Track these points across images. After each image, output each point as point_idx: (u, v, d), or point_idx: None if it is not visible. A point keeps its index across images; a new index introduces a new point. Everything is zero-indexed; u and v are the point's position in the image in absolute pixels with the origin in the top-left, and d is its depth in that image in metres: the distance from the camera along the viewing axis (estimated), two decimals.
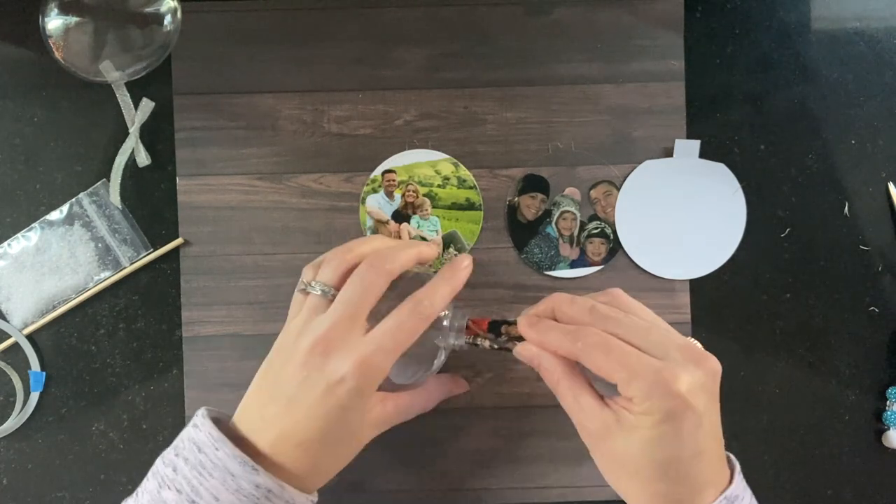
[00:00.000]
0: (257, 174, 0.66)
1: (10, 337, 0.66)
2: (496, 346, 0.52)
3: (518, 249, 0.66)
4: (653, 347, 0.44)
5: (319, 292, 0.48)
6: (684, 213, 0.66)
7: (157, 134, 0.66)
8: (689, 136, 0.66)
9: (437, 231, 0.66)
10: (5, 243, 0.66)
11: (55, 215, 0.66)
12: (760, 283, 0.66)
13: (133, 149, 0.65)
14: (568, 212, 0.66)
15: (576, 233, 0.66)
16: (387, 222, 0.66)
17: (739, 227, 0.66)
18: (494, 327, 0.52)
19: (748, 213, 0.66)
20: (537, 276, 0.66)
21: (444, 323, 0.52)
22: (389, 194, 0.66)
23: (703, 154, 0.66)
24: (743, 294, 0.66)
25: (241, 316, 0.66)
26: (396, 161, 0.66)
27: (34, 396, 0.66)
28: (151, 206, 0.67)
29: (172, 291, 0.66)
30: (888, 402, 0.65)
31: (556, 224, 0.66)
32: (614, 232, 0.66)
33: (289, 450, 0.45)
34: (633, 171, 0.66)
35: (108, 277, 0.66)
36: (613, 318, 0.46)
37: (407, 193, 0.66)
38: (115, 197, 0.65)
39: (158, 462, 0.47)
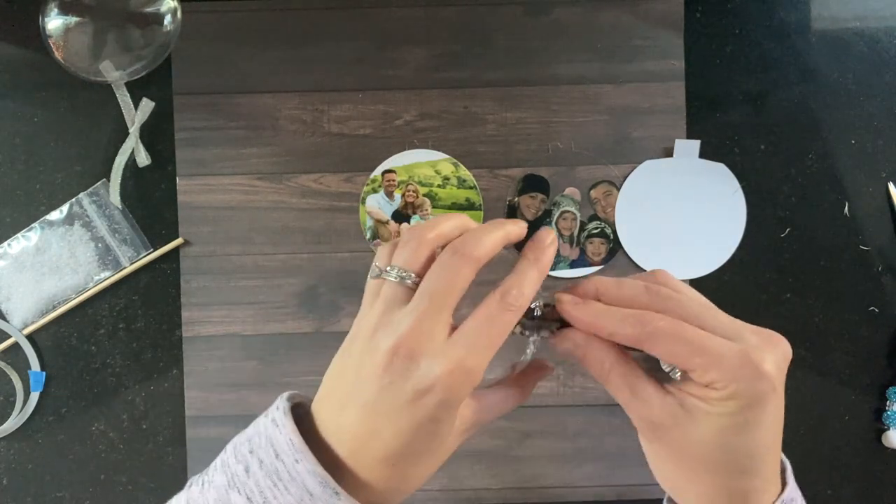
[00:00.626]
0: (257, 174, 0.66)
1: (10, 337, 0.66)
2: (526, 332, 0.45)
3: (518, 249, 0.66)
4: (725, 329, 0.40)
5: (397, 279, 0.41)
6: (684, 213, 0.66)
7: (157, 134, 0.66)
8: (689, 136, 0.66)
9: None
10: (5, 243, 0.66)
11: (55, 215, 0.66)
12: (760, 283, 0.66)
13: (133, 149, 0.65)
14: (568, 212, 0.66)
15: (576, 233, 0.66)
16: (387, 222, 0.66)
17: (739, 227, 0.66)
18: (527, 311, 0.45)
19: (748, 213, 0.66)
20: None
21: (535, 313, 0.45)
22: (389, 194, 0.66)
23: (703, 154, 0.66)
24: (743, 294, 0.66)
25: (241, 316, 0.66)
26: (396, 161, 0.66)
27: (34, 396, 0.66)
28: (151, 206, 0.67)
29: (172, 291, 0.66)
30: (888, 402, 0.65)
31: (556, 224, 0.66)
32: (614, 232, 0.66)
33: (372, 465, 0.40)
34: (633, 171, 0.66)
35: (108, 277, 0.66)
36: (676, 300, 0.41)
37: (407, 193, 0.66)
38: (115, 197, 0.65)
39: (230, 451, 0.42)
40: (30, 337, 0.66)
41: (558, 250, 0.66)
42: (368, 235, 0.66)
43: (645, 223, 0.66)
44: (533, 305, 0.44)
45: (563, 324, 0.44)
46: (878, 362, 0.66)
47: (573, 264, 0.66)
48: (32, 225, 0.66)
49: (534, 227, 0.66)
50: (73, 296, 0.66)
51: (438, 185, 0.66)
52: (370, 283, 0.44)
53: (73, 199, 0.66)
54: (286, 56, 0.66)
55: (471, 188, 0.66)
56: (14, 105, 0.66)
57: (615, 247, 0.66)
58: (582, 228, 0.66)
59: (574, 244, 0.66)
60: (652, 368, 0.42)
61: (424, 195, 0.66)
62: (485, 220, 0.66)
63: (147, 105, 0.65)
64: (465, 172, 0.66)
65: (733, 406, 0.39)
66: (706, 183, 0.66)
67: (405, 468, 0.41)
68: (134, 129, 0.65)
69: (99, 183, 0.66)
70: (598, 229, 0.66)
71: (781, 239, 0.66)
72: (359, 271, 0.66)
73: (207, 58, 0.66)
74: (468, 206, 0.66)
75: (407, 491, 0.42)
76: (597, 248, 0.66)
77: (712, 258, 0.66)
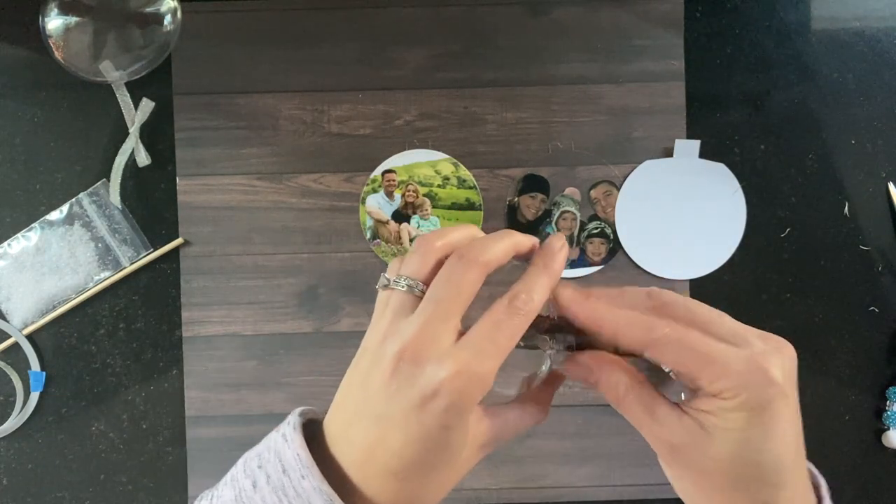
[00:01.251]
0: (257, 174, 0.66)
1: (10, 337, 0.66)
2: (544, 346, 0.44)
3: None
4: (731, 335, 0.39)
5: (405, 288, 0.41)
6: (684, 213, 0.66)
7: (157, 134, 0.66)
8: (689, 136, 0.66)
9: None
10: (5, 243, 0.66)
11: (55, 215, 0.66)
12: (760, 283, 0.66)
13: (133, 149, 0.65)
14: (568, 212, 0.66)
15: (576, 233, 0.66)
16: (387, 222, 0.66)
17: (739, 227, 0.66)
18: (543, 324, 0.45)
19: (748, 213, 0.66)
20: None
21: (547, 323, 0.44)
22: (389, 194, 0.66)
23: (703, 154, 0.66)
24: (743, 294, 0.66)
25: (240, 316, 0.66)
26: (396, 161, 0.66)
27: (34, 396, 0.66)
28: (151, 206, 0.67)
29: (172, 291, 0.66)
30: (888, 402, 0.65)
31: (556, 224, 0.66)
32: (614, 232, 0.66)
33: (381, 479, 0.39)
34: (633, 171, 0.66)
35: (108, 277, 0.66)
36: (681, 304, 0.40)
37: (407, 193, 0.66)
38: (115, 197, 0.65)
39: (240, 465, 0.42)
40: (30, 337, 0.66)
41: None
42: (368, 235, 0.66)
43: (645, 223, 0.66)
44: (545, 314, 0.43)
45: (580, 335, 0.43)
46: (878, 362, 0.66)
47: (573, 264, 0.66)
48: (32, 225, 0.66)
49: (534, 227, 0.66)
50: (73, 296, 0.66)
51: (438, 185, 0.66)
52: (380, 295, 0.44)
53: (73, 199, 0.66)
54: (286, 56, 0.66)
55: (471, 188, 0.66)
56: (14, 105, 0.66)
57: (615, 247, 0.66)
58: (582, 228, 0.66)
59: (574, 244, 0.66)
60: (658, 384, 0.41)
61: (424, 195, 0.66)
62: (485, 220, 0.66)
63: (147, 105, 0.65)
64: (465, 172, 0.66)
65: (746, 416, 0.38)
66: (706, 183, 0.66)
67: (416, 483, 0.39)
68: (134, 129, 0.65)
69: (99, 183, 0.66)
70: (598, 229, 0.66)
71: (781, 239, 0.66)
72: (359, 271, 0.66)
73: (207, 58, 0.66)
74: (468, 206, 0.66)
75: None
76: (597, 248, 0.66)
77: (712, 258, 0.66)
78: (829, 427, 0.66)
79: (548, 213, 0.66)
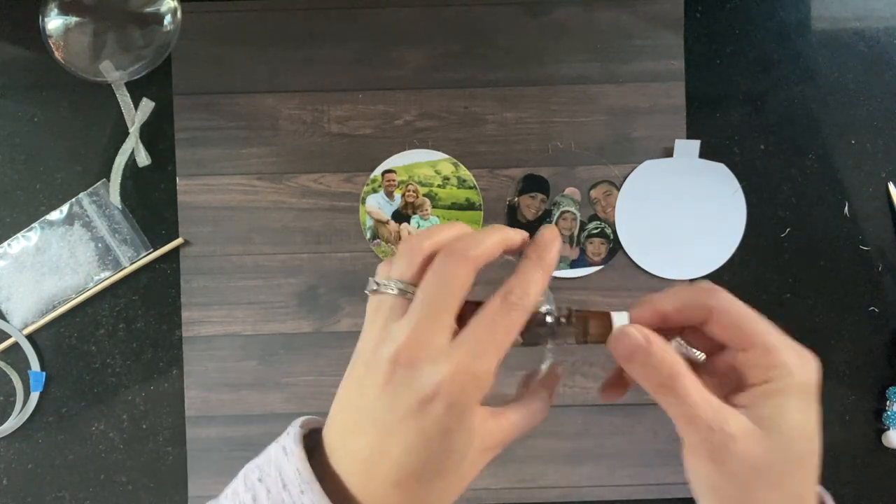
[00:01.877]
0: (257, 174, 0.66)
1: (10, 337, 0.66)
2: (520, 341, 0.42)
3: None
4: (775, 329, 0.39)
5: (395, 291, 0.40)
6: (684, 213, 0.66)
7: (157, 134, 0.66)
8: (689, 136, 0.66)
9: None
10: (5, 243, 0.66)
11: (55, 215, 0.66)
12: (760, 283, 0.66)
13: (133, 149, 0.65)
14: (568, 212, 0.66)
15: (576, 233, 0.66)
16: (387, 222, 0.66)
17: (739, 227, 0.66)
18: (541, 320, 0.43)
19: (748, 213, 0.66)
20: None
21: (547, 319, 0.43)
22: (389, 194, 0.66)
23: (703, 154, 0.66)
24: (743, 294, 0.66)
25: (240, 316, 0.66)
26: (396, 161, 0.66)
27: (34, 396, 0.66)
28: (151, 206, 0.67)
29: (172, 291, 0.66)
30: (888, 402, 0.65)
31: (557, 224, 0.66)
32: (614, 232, 0.66)
33: (385, 492, 0.37)
34: (633, 171, 0.66)
35: (108, 277, 0.66)
36: (725, 293, 0.40)
37: (407, 193, 0.66)
38: (115, 197, 0.65)
39: (241, 478, 0.41)
40: (30, 337, 0.66)
41: None
42: (368, 235, 0.66)
43: (645, 223, 0.66)
44: (544, 310, 0.42)
45: (585, 330, 0.42)
46: (878, 362, 0.66)
47: (573, 264, 0.66)
48: (32, 225, 0.66)
49: (534, 227, 0.66)
50: (73, 296, 0.66)
51: (438, 185, 0.66)
52: (370, 300, 0.42)
53: (73, 199, 0.66)
54: (286, 56, 0.66)
55: (471, 188, 0.66)
56: (14, 105, 0.66)
57: (615, 247, 0.66)
58: (582, 228, 0.66)
59: (574, 244, 0.66)
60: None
61: (424, 195, 0.66)
62: (485, 220, 0.66)
63: (147, 105, 0.65)
64: (465, 172, 0.66)
65: (794, 404, 0.39)
66: (706, 183, 0.66)
67: (420, 492, 0.38)
68: (134, 129, 0.65)
69: (99, 183, 0.66)
70: (598, 229, 0.66)
71: (781, 239, 0.66)
72: (359, 271, 0.66)
73: (207, 58, 0.66)
74: (468, 206, 0.66)
75: None
76: (597, 248, 0.66)
77: (712, 258, 0.66)
78: (829, 427, 0.66)
79: (548, 213, 0.66)
